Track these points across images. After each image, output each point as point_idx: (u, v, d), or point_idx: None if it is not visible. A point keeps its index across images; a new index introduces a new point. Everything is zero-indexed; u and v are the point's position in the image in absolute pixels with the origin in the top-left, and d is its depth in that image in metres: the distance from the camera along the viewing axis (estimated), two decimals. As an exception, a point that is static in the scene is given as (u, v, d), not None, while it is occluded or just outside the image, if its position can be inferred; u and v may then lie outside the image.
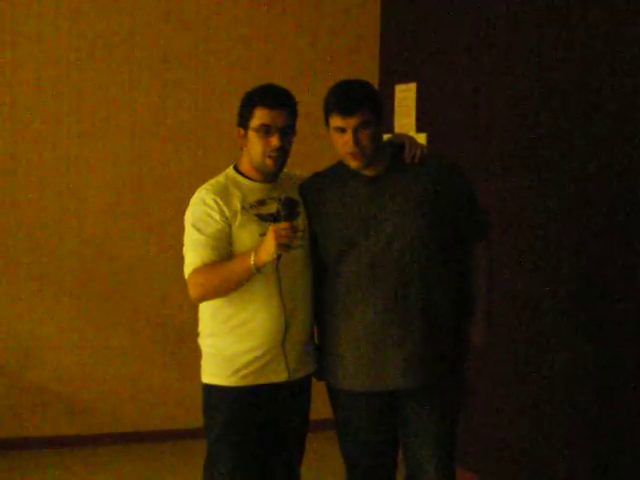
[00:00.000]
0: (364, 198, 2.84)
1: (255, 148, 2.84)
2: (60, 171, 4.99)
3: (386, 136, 2.97)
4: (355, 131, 2.74)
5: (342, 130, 2.76)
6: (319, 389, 3.07)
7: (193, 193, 2.93)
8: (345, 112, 2.73)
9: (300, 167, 3.11)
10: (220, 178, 2.94)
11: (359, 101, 2.75)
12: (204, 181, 2.97)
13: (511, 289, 4.00)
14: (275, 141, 2.81)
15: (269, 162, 2.84)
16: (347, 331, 2.85)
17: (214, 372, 2.91)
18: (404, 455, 2.95)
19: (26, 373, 4.99)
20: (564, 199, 3.66)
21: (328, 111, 2.80)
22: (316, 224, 2.91)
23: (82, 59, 4.97)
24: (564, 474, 3.69)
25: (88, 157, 5.02)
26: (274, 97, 2.84)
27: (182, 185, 4.83)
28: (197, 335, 3.00)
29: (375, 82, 5.21)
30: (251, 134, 2.85)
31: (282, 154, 2.85)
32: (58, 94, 4.96)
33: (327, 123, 2.82)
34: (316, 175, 3.02)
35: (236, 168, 2.96)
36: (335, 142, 2.81)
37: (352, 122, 2.73)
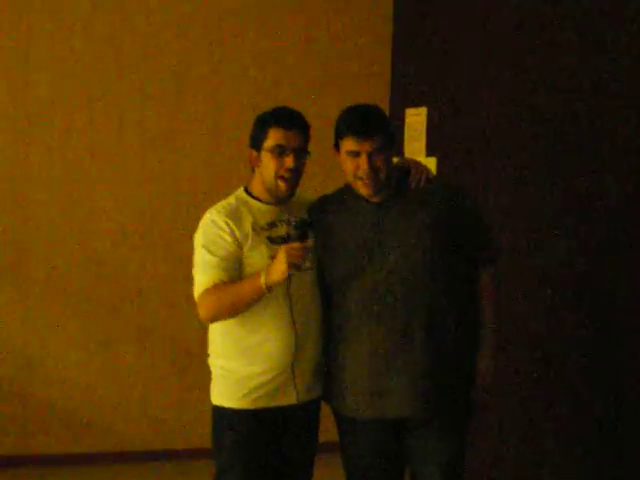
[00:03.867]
0: (369, 224, 2.81)
1: (268, 169, 2.83)
2: (71, 186, 5.01)
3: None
4: (370, 156, 2.71)
5: (356, 154, 2.72)
6: (324, 411, 3.06)
7: (203, 211, 2.92)
8: (361, 136, 2.70)
9: (308, 190, 3.10)
10: (231, 200, 2.93)
11: (375, 125, 2.73)
12: (215, 198, 2.97)
13: (517, 311, 3.99)
14: (289, 162, 2.80)
15: (282, 184, 2.83)
16: (351, 358, 2.83)
17: (225, 394, 2.90)
18: (412, 481, 2.93)
19: (32, 390, 4.99)
20: (577, 221, 3.65)
21: (341, 134, 2.76)
22: (322, 248, 2.89)
23: (94, 75, 5.01)
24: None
25: (99, 173, 5.04)
26: (289, 118, 2.84)
27: (192, 203, 4.85)
28: (207, 356, 2.99)
29: (386, 106, 5.23)
30: (264, 155, 2.84)
31: (295, 176, 2.84)
32: (70, 111, 4.99)
33: (337, 146, 2.80)
34: (323, 198, 3.01)
35: (247, 190, 2.96)
36: (346, 166, 2.77)
37: (367, 146, 2.70)
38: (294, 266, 2.65)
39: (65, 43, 4.97)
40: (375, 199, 2.82)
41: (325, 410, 3.05)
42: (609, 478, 3.43)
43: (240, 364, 2.85)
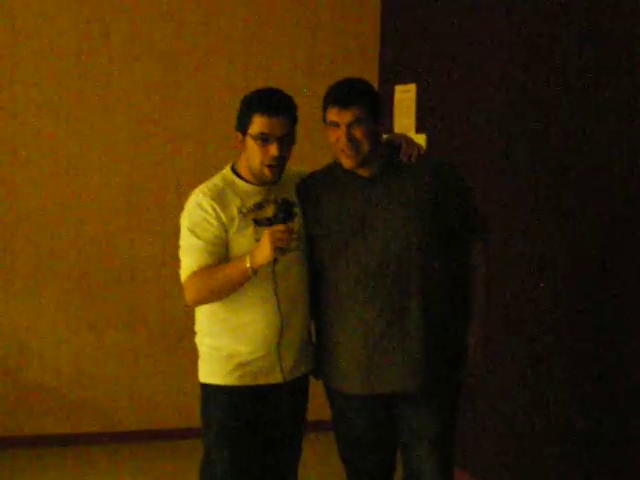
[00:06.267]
0: (360, 200, 2.81)
1: (253, 156, 2.79)
2: (59, 170, 4.98)
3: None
4: (349, 126, 2.72)
5: (336, 125, 2.74)
6: (316, 390, 3.06)
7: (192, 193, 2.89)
8: (340, 106, 2.71)
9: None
10: (217, 180, 2.89)
11: (355, 96, 2.73)
12: (204, 179, 2.94)
13: (511, 290, 4.00)
14: (274, 150, 2.76)
15: (267, 171, 2.80)
16: (344, 333, 2.84)
17: (212, 371, 2.90)
18: (403, 456, 2.94)
19: (22, 371, 4.98)
20: (564, 200, 3.65)
21: (325, 106, 2.79)
22: (312, 225, 2.89)
23: (81, 59, 4.96)
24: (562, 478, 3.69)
25: (87, 156, 5.01)
26: (274, 104, 2.77)
27: (181, 185, 4.83)
28: (194, 334, 2.99)
29: (375, 83, 5.20)
30: (249, 141, 2.79)
31: (280, 163, 2.80)
32: (58, 94, 4.95)
33: (324, 119, 2.80)
34: (312, 174, 3.00)
35: (234, 169, 2.92)
36: (329, 138, 2.78)
37: (346, 117, 2.71)
38: (279, 249, 2.63)
39: (52, 26, 4.91)
40: (365, 174, 2.83)
41: (316, 389, 3.05)
42: (604, 454, 3.46)
43: (226, 342, 2.85)
